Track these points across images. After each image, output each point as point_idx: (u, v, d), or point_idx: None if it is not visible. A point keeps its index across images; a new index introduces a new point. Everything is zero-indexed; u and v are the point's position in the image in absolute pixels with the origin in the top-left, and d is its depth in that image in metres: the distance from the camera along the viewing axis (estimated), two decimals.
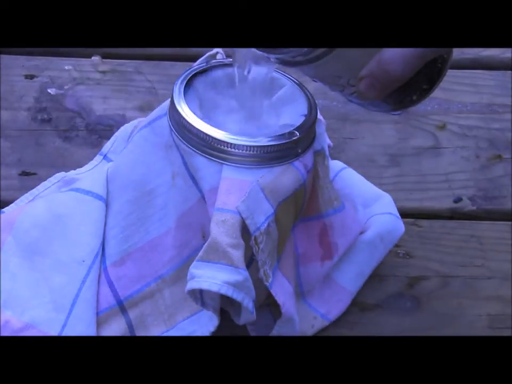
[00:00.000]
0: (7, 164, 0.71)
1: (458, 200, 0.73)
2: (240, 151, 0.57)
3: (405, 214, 0.70)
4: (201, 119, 0.58)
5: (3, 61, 0.78)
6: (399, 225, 0.67)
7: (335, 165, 0.70)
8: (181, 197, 0.60)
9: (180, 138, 0.58)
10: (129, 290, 0.61)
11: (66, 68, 0.79)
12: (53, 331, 0.59)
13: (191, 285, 0.54)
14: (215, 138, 0.57)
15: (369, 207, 0.68)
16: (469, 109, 0.80)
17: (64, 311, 0.60)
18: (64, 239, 0.62)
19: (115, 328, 0.61)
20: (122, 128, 0.72)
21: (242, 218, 0.55)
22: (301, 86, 0.62)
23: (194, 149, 0.58)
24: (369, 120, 0.77)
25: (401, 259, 0.69)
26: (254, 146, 0.57)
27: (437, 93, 0.56)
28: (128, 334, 0.61)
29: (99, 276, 0.61)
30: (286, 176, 0.58)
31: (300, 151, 0.58)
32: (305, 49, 0.49)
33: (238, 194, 0.56)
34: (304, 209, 0.61)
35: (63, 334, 0.59)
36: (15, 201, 0.66)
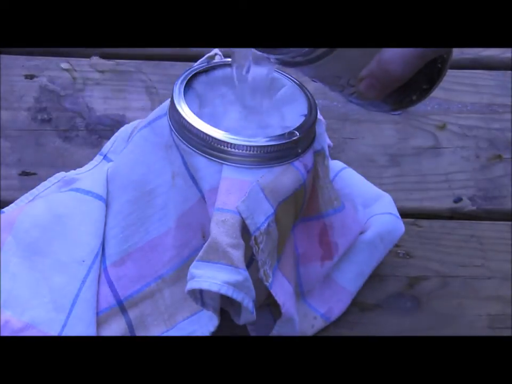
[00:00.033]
0: (7, 164, 0.71)
1: (458, 200, 0.73)
2: (240, 151, 0.57)
3: (405, 214, 0.70)
4: (201, 119, 0.58)
5: (3, 61, 0.78)
6: (399, 225, 0.67)
7: (335, 165, 0.70)
8: (181, 197, 0.60)
9: (180, 138, 0.58)
10: (129, 290, 0.61)
11: (66, 68, 0.79)
12: (53, 331, 0.59)
13: (191, 285, 0.54)
14: (215, 138, 0.57)
15: (369, 207, 0.68)
16: (469, 109, 0.80)
17: (64, 311, 0.60)
18: (64, 239, 0.62)
19: (115, 328, 0.61)
20: (122, 128, 0.72)
21: (242, 218, 0.55)
22: (301, 86, 0.62)
23: (194, 149, 0.58)
24: (369, 120, 0.77)
25: (401, 259, 0.69)
26: (254, 146, 0.57)
27: (437, 93, 0.56)
28: (128, 334, 0.61)
29: (99, 275, 0.61)
30: (286, 176, 0.58)
31: (300, 151, 0.58)
32: (305, 49, 0.49)
33: (238, 194, 0.56)
34: (304, 209, 0.61)
35: (63, 334, 0.59)
36: (15, 201, 0.66)
